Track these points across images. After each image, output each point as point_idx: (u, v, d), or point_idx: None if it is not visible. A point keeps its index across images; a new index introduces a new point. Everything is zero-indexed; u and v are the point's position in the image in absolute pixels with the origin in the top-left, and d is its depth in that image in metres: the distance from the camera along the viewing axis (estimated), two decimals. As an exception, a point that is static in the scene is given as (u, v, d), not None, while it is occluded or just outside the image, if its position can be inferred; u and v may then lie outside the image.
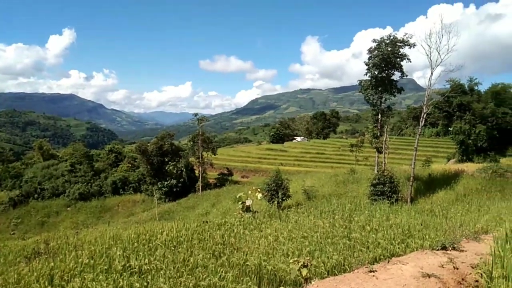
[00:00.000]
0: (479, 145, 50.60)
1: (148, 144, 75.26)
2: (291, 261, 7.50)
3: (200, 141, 67.36)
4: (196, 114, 72.07)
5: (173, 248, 10.17)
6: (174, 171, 66.89)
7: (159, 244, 10.44)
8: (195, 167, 70.42)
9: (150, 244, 10.55)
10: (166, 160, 69.28)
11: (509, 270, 4.42)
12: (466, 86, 57.07)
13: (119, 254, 9.18)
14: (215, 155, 72.10)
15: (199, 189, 63.98)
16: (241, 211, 17.93)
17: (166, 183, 65.71)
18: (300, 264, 7.31)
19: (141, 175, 74.15)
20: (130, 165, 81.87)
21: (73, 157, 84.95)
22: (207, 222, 14.69)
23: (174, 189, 65.62)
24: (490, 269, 4.83)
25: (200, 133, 68.27)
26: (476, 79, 58.46)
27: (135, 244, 10.62)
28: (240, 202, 18.78)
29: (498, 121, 49.96)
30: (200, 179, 65.51)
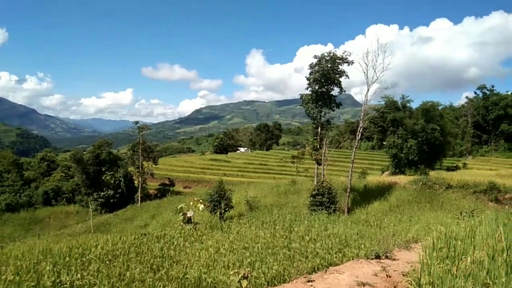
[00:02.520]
0: (410, 158, 53.88)
1: (84, 153, 71.75)
2: (231, 272, 7.46)
3: (140, 150, 65.25)
4: (136, 122, 69.80)
5: (108, 262, 9.71)
6: (112, 181, 64.03)
7: (93, 258, 9.92)
8: (134, 177, 67.89)
9: (84, 258, 9.98)
10: (103, 169, 66.15)
11: (435, 277, 4.73)
12: (399, 103, 60.74)
13: (49, 269, 8.56)
14: (156, 165, 70.17)
15: (138, 200, 61.73)
16: (182, 223, 17.59)
17: (102, 193, 62.68)
18: (240, 275, 7.28)
19: (75, 185, 70.15)
20: (63, 175, 77.39)
21: (0, 165, 78.68)
22: (145, 234, 14.22)
23: (111, 200, 62.75)
24: (419, 277, 5.13)
25: (141, 141, 66.14)
26: (408, 96, 62.54)
27: (67, 258, 9.98)
28: (181, 214, 18.42)
29: (427, 136, 53.49)
30: (139, 190, 63.28)
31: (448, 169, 58.48)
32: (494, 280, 4.66)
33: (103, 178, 64.35)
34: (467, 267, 4.97)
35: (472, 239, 6.32)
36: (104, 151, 68.61)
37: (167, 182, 71.25)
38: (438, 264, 5.09)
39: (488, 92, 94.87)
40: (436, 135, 54.20)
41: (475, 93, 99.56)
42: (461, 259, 5.29)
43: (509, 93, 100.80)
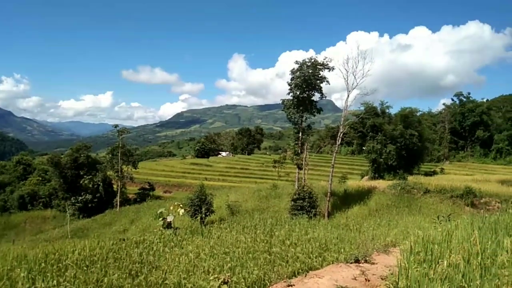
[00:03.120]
0: (389, 163, 54.75)
1: (62, 156, 70.12)
2: (211, 278, 7.41)
3: (120, 154, 64.25)
4: (116, 126, 68.71)
5: (85, 268, 9.53)
6: (90, 185, 62.83)
7: (69, 264, 9.71)
8: (113, 181, 66.78)
9: (60, 264, 9.76)
10: (82, 173, 64.84)
11: (413, 281, 4.80)
12: (378, 109, 61.76)
13: (23, 276, 8.33)
14: (136, 169, 69.25)
15: (117, 204, 60.71)
16: (161, 228, 17.39)
17: (80, 198, 61.40)
18: (220, 280, 7.25)
19: (52, 189, 68.61)
20: (40, 178, 75.59)
21: (-27, 168, 76.44)
22: (124, 239, 14.01)
23: (90, 205, 61.53)
24: (397, 280, 5.20)
25: (120, 145, 65.13)
26: (387, 102, 63.72)
27: (43, 264, 9.74)
28: (161, 219, 18.23)
29: (406, 141, 54.52)
30: (118, 194, 62.23)
31: (426, 174, 59.66)
32: (469, 283, 4.75)
33: (81, 182, 63.14)
34: (444, 270, 5.06)
35: (449, 243, 6.45)
36: (82, 155, 67.32)
37: (147, 187, 70.34)
38: (416, 268, 5.16)
39: (464, 99, 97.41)
40: (415, 141, 55.26)
41: (452, 100, 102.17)
42: (438, 263, 5.39)
43: (484, 100, 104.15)
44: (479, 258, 5.48)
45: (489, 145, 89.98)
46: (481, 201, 33.50)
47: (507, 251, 5.79)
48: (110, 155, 67.01)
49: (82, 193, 62.08)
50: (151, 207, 51.77)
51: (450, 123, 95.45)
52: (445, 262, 5.28)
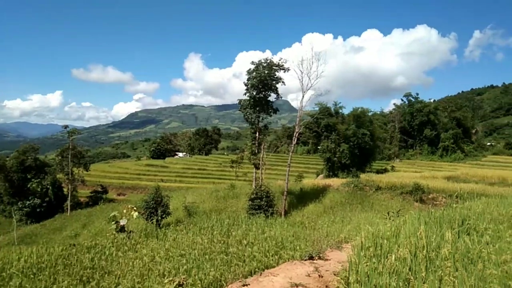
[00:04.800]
0: (343, 162, 56.39)
1: (7, 159, 66.37)
2: (166, 281, 7.28)
3: (70, 156, 61.73)
4: (66, 126, 65.92)
5: (32, 276, 9.08)
6: (38, 189, 59.92)
7: (15, 273, 9.22)
8: (63, 185, 64.09)
9: (4, 273, 9.23)
10: (29, 176, 61.76)
11: (363, 275, 4.96)
12: (332, 109, 63.53)
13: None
14: (87, 171, 66.80)
15: (68, 208, 58.23)
16: (114, 232, 16.86)
17: (28, 202, 58.33)
18: (175, 283, 7.14)
19: (-3, 194, 64.59)
20: (-18, 183, 70.73)
21: None
22: (75, 245, 13.46)
23: (38, 210, 58.55)
24: (347, 275, 5.35)
25: (71, 146, 62.61)
26: (340, 103, 65.72)
27: (-17, 275, 9.16)
28: (113, 222, 17.66)
29: (358, 141, 56.34)
30: (69, 198, 59.76)
31: (378, 171, 61.89)
32: (415, 275, 4.98)
33: (28, 186, 60.24)
34: (392, 264, 5.26)
35: (397, 238, 6.72)
36: (29, 157, 64.18)
37: (99, 189, 67.97)
38: (366, 263, 5.33)
39: (413, 100, 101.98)
40: (367, 140, 57.21)
41: (402, 100, 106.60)
42: (387, 257, 5.59)
43: (432, 100, 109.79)
44: (425, 251, 5.75)
45: (436, 143, 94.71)
46: (429, 196, 35.23)
47: (449, 243, 6.13)
48: (60, 157, 64.28)
49: (30, 198, 59.14)
50: (104, 210, 50.07)
51: (400, 123, 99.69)
52: (393, 256, 5.50)
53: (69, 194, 60.39)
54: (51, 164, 68.64)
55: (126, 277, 8.71)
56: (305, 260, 8.22)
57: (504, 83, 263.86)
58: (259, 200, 29.83)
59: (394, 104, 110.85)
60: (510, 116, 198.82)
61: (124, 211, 19.87)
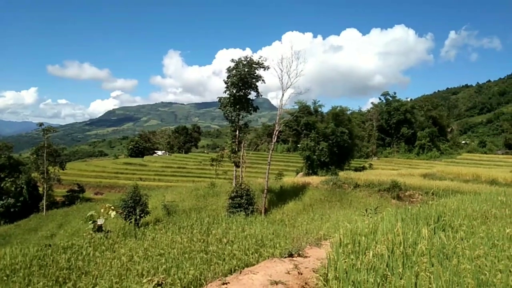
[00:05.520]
0: (322, 160, 56.94)
1: (-21, 158, 64.16)
2: (144, 281, 7.20)
3: (45, 154, 60.24)
4: (41, 124, 64.12)
5: (5, 278, 8.84)
6: (12, 189, 58.29)
7: (-14, 276, 8.91)
8: (39, 184, 62.49)
9: (-26, 277, 8.93)
10: (2, 175, 59.99)
11: (341, 272, 5.02)
12: (311, 107, 64.11)
13: None
14: (63, 169, 65.34)
15: (43, 208, 56.84)
16: (91, 231, 16.55)
17: (1, 202, 56.60)
18: (154, 283, 7.07)
19: (-32, 194, 62.51)
20: (-47, 183, 68.35)
21: None
22: (50, 245, 13.15)
23: (12, 209, 56.85)
24: (326, 272, 5.41)
25: (46, 145, 61.06)
26: (319, 101, 66.40)
27: (-47, 278, 8.85)
28: (91, 222, 17.33)
29: (337, 139, 56.99)
30: (44, 197, 58.26)
31: (356, 169, 62.64)
32: (392, 271, 5.07)
33: (2, 185, 58.43)
34: (370, 260, 5.34)
35: (375, 235, 6.82)
36: (3, 156, 62.27)
37: (76, 188, 66.53)
38: (344, 259, 5.40)
39: (390, 98, 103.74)
40: (345, 138, 57.93)
41: (380, 99, 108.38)
42: (365, 254, 5.68)
43: (409, 99, 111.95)
44: (402, 248, 5.86)
45: (413, 141, 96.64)
46: (406, 194, 35.93)
47: (426, 239, 6.26)
48: (35, 156, 62.62)
49: (3, 197, 57.40)
50: (81, 210, 49.19)
51: (378, 121, 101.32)
52: (371, 252, 5.58)
53: (45, 194, 58.93)
54: (25, 163, 66.81)
55: (104, 277, 8.58)
56: (285, 257, 8.27)
57: (478, 82, 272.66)
58: (239, 198, 29.84)
59: (372, 103, 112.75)
60: (484, 115, 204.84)
61: (102, 210, 19.53)
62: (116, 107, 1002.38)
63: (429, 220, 8.24)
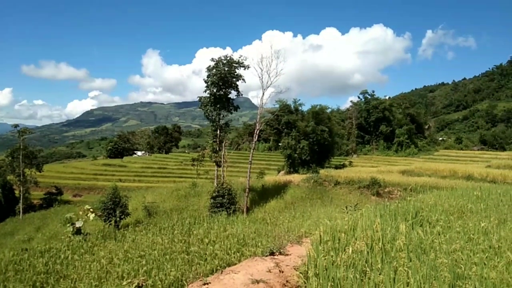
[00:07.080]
0: (303, 158, 57.24)
1: (-49, 161, 62.22)
2: (124, 283, 7.11)
3: (21, 156, 58.74)
4: (16, 125, 62.52)
5: (-21, 286, 8.56)
6: (-13, 192, 56.66)
7: (-42, 283, 8.64)
8: (15, 187, 60.85)
9: None
10: (-24, 179, 58.23)
11: (321, 269, 5.06)
12: (292, 106, 64.22)
13: None
14: (40, 172, 63.82)
15: (20, 212, 55.43)
16: (70, 234, 16.24)
17: (-25, 207, 55.07)
18: (134, 285, 7.00)
19: None
20: None
21: None
22: (27, 249, 12.84)
23: (-13, 214, 55.36)
24: (306, 269, 5.45)
25: (22, 147, 59.57)
26: (300, 100, 66.46)
27: None
28: (69, 224, 17.00)
29: (317, 137, 57.38)
30: (21, 200, 56.81)
31: (336, 167, 63.28)
32: (371, 267, 5.15)
33: (-25, 189, 56.55)
34: (349, 257, 5.41)
35: (354, 231, 6.91)
36: (-24, 158, 60.37)
37: (53, 191, 65.13)
38: (324, 256, 5.45)
39: (369, 97, 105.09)
40: (325, 136, 58.39)
41: (359, 97, 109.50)
42: (344, 250, 5.75)
43: (387, 97, 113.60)
44: (380, 244, 5.96)
45: (391, 139, 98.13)
46: (385, 190, 36.54)
47: (404, 235, 6.38)
48: (10, 158, 61.03)
49: (-23, 202, 55.67)
50: (59, 212, 48.16)
51: (357, 119, 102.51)
52: (351, 249, 5.66)
53: (21, 197, 57.46)
54: (0, 166, 64.99)
55: (83, 281, 8.44)
56: (266, 256, 8.29)
57: (454, 80, 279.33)
58: (221, 198, 29.79)
59: (351, 101, 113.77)
60: (460, 112, 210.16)
61: (80, 212, 19.20)
62: (94, 107, 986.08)
63: (407, 215, 8.40)
